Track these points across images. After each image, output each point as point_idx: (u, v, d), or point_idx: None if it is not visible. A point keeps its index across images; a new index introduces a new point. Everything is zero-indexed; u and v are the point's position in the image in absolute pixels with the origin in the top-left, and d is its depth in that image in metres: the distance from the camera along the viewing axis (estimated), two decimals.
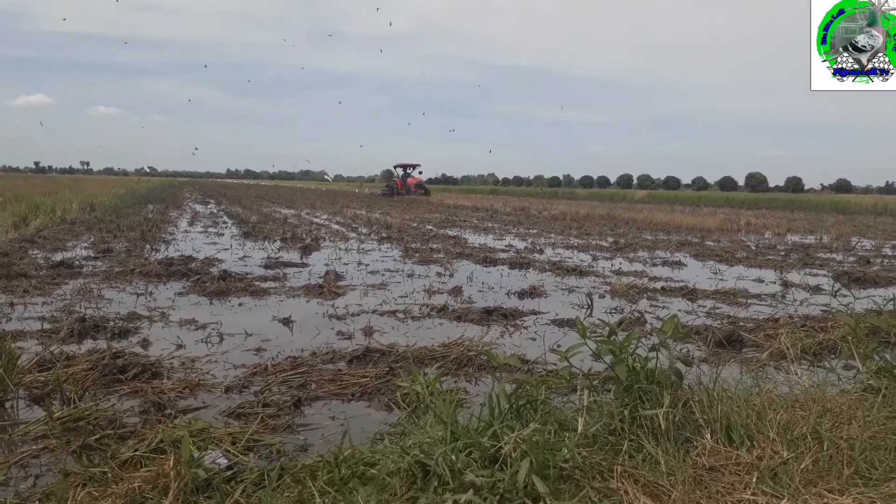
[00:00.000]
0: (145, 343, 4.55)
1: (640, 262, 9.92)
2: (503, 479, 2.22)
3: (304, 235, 12.67)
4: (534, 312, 5.89)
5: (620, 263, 9.65)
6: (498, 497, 2.18)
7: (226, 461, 2.56)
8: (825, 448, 2.58)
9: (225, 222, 16.68)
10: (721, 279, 8.28)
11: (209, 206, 25.31)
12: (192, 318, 5.33)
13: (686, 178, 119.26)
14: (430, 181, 45.63)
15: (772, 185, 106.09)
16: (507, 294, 6.86)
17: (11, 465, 2.63)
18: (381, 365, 4.04)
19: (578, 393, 3.03)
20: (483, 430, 2.48)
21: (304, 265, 8.67)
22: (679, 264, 9.74)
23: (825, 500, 2.30)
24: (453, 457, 2.28)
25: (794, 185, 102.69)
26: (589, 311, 6.05)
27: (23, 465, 2.66)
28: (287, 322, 5.30)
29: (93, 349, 4.18)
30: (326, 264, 8.70)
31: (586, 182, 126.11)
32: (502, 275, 8.32)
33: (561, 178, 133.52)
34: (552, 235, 14.54)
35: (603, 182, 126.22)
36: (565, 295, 6.92)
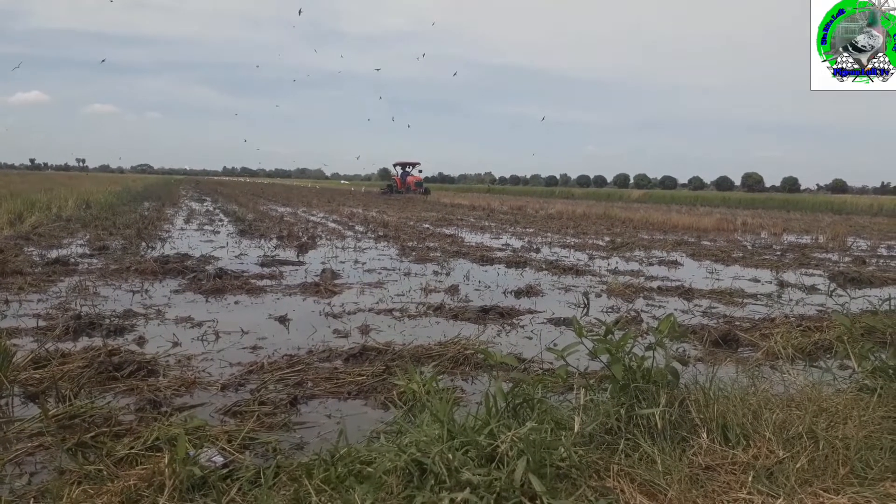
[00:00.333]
0: (141, 341, 4.54)
1: (637, 261, 9.94)
2: (500, 478, 2.22)
3: (300, 233, 12.65)
4: (530, 311, 5.90)
5: (617, 263, 9.66)
6: (494, 496, 2.18)
7: (221, 459, 2.55)
8: (821, 447, 2.58)
9: (221, 220, 16.65)
10: (717, 279, 8.29)
11: (205, 204, 25.26)
12: (188, 315, 5.32)
13: (682, 178, 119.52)
14: (427, 180, 45.29)
15: (768, 185, 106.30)
16: (504, 293, 6.86)
17: (6, 463, 2.63)
18: (377, 363, 4.03)
19: (575, 392, 3.03)
20: (480, 428, 2.48)
21: (301, 263, 8.66)
22: (675, 264, 9.76)
23: (821, 499, 2.30)
24: (450, 455, 2.28)
25: (791, 185, 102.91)
26: (585, 310, 6.05)
27: (18, 462, 2.65)
28: (283, 320, 5.29)
29: (88, 347, 4.16)
30: (323, 262, 8.69)
31: (583, 181, 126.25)
32: (499, 274, 8.32)
33: (558, 177, 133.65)
34: (549, 234, 14.55)
35: (600, 181, 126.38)
36: (562, 294, 6.92)
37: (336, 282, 7.17)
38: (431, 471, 2.25)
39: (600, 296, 6.86)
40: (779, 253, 11.63)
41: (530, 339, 4.95)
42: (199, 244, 10.78)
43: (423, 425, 2.61)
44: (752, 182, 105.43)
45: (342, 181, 69.57)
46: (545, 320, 5.57)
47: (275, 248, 10.40)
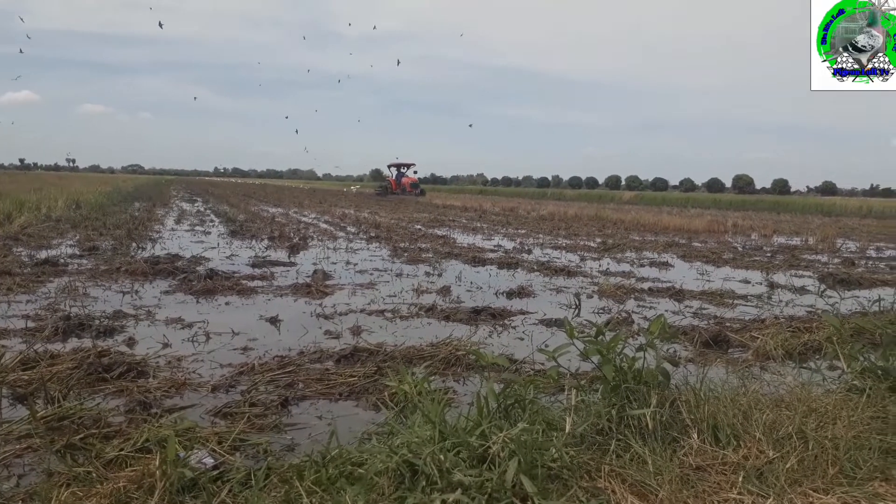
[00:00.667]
0: (131, 342, 4.52)
1: (628, 262, 9.97)
2: (491, 479, 2.22)
3: (291, 234, 12.62)
4: (522, 312, 5.90)
5: (608, 264, 9.68)
6: (486, 497, 2.18)
7: (212, 461, 2.54)
8: (810, 448, 2.60)
9: (212, 221, 16.59)
10: (708, 280, 8.32)
11: (196, 205, 25.16)
12: (179, 316, 5.30)
13: (674, 180, 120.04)
14: (419, 181, 44.84)
15: (758, 186, 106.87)
16: (496, 294, 6.86)
17: None
18: (368, 364, 4.03)
19: (566, 393, 3.03)
20: (471, 429, 2.48)
21: (292, 264, 8.64)
22: (666, 265, 9.79)
23: (810, 499, 2.32)
24: (441, 456, 2.28)
25: (781, 187, 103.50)
26: (577, 311, 6.06)
27: (6, 464, 2.63)
28: (274, 321, 5.28)
29: (78, 348, 4.14)
30: (314, 263, 8.67)
31: (575, 183, 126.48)
32: (491, 275, 8.33)
33: (550, 178, 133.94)
34: (540, 236, 14.57)
35: (591, 183, 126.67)
36: (553, 295, 6.93)
37: (327, 283, 7.16)
38: (423, 472, 2.25)
39: (591, 297, 6.87)
40: (769, 254, 11.70)
41: (522, 340, 4.95)
42: (190, 245, 10.74)
43: (414, 426, 2.60)
44: (743, 184, 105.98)
45: (351, 186, 68.93)
46: (537, 321, 5.58)
47: (266, 248, 10.36)
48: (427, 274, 8.14)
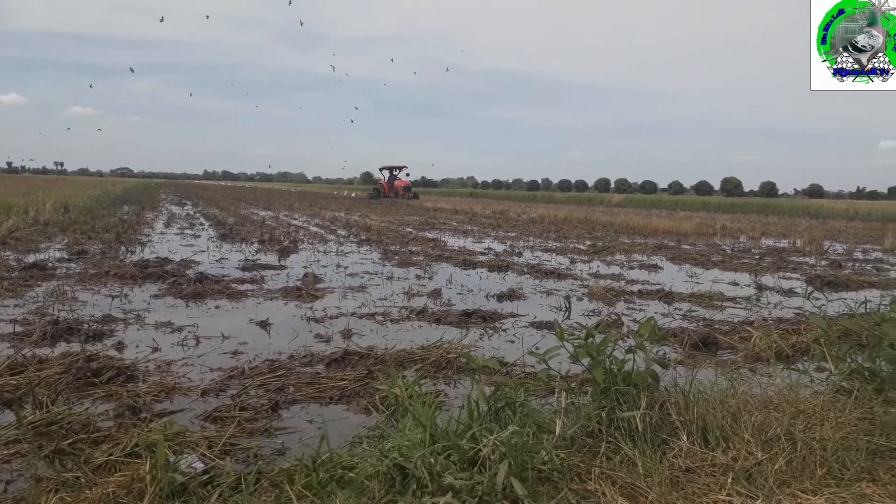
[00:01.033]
0: (120, 346, 4.49)
1: (618, 265, 10.01)
2: (482, 482, 2.22)
3: (281, 237, 12.59)
4: (512, 315, 5.91)
5: (598, 266, 9.72)
6: (477, 499, 2.18)
7: (202, 465, 2.53)
8: (798, 449, 2.62)
9: (202, 224, 16.52)
10: (697, 282, 8.37)
11: (186, 208, 25.05)
12: (168, 320, 5.27)
13: (663, 183, 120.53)
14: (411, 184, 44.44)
15: (747, 189, 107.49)
16: (486, 297, 6.87)
17: None
18: (359, 368, 4.02)
19: (556, 395, 3.04)
20: (462, 432, 2.49)
21: (282, 267, 8.62)
22: (655, 267, 9.83)
23: (798, 500, 2.33)
24: (432, 459, 2.28)
25: (769, 189, 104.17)
26: (567, 313, 6.08)
27: None
28: (264, 325, 5.26)
29: (66, 352, 4.11)
30: (305, 267, 8.66)
31: (565, 186, 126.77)
32: (481, 277, 8.34)
33: (540, 181, 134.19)
34: (531, 238, 14.60)
35: (581, 186, 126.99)
36: (543, 297, 6.95)
37: (318, 286, 7.14)
38: (413, 475, 2.25)
39: (581, 299, 6.89)
40: (757, 257, 11.77)
41: (512, 342, 4.96)
42: (180, 248, 10.69)
43: (405, 430, 2.61)
44: (731, 187, 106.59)
45: (344, 190, 68.36)
46: (527, 324, 5.59)
47: (256, 252, 10.33)
48: (418, 277, 8.14)
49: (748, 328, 5.25)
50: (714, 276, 9.12)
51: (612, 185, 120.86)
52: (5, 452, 2.73)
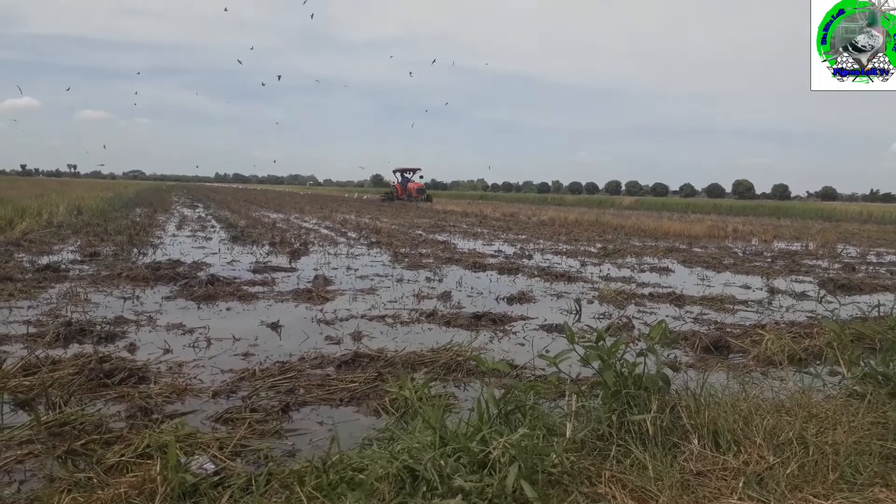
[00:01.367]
0: (132, 347, 4.52)
1: (628, 268, 9.97)
2: (492, 485, 2.22)
3: (292, 240, 12.63)
4: (522, 318, 5.90)
5: (608, 269, 9.69)
6: (486, 502, 2.18)
7: (213, 466, 2.55)
8: (811, 453, 2.60)
9: (213, 226, 16.61)
10: (708, 285, 8.33)
11: (197, 210, 25.19)
12: (180, 322, 5.30)
13: (674, 185, 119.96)
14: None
15: (758, 192, 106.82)
16: (496, 299, 6.87)
17: None
18: (369, 370, 4.03)
19: (567, 398, 3.04)
20: (472, 435, 2.49)
21: (293, 270, 8.65)
22: (667, 270, 9.79)
23: None
24: (442, 462, 2.28)
25: (781, 192, 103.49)
26: (577, 316, 6.06)
27: (7, 470, 2.63)
28: (275, 327, 5.28)
29: (79, 353, 4.14)
30: (315, 269, 8.68)
31: (575, 188, 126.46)
32: (491, 280, 8.33)
33: (550, 183, 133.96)
34: (541, 241, 14.57)
35: (591, 188, 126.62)
36: (554, 300, 6.94)
37: (328, 288, 7.16)
38: (423, 477, 2.25)
39: (592, 302, 6.87)
40: (769, 260, 11.70)
41: (522, 345, 4.96)
42: (191, 250, 10.75)
43: (415, 432, 2.61)
44: (743, 189, 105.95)
45: (356, 192, 67.90)
46: (537, 326, 5.58)
47: (267, 254, 10.38)
48: (428, 279, 8.14)
49: (760, 331, 5.22)
50: (725, 279, 9.07)
51: (623, 188, 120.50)
52: (19, 452, 2.75)
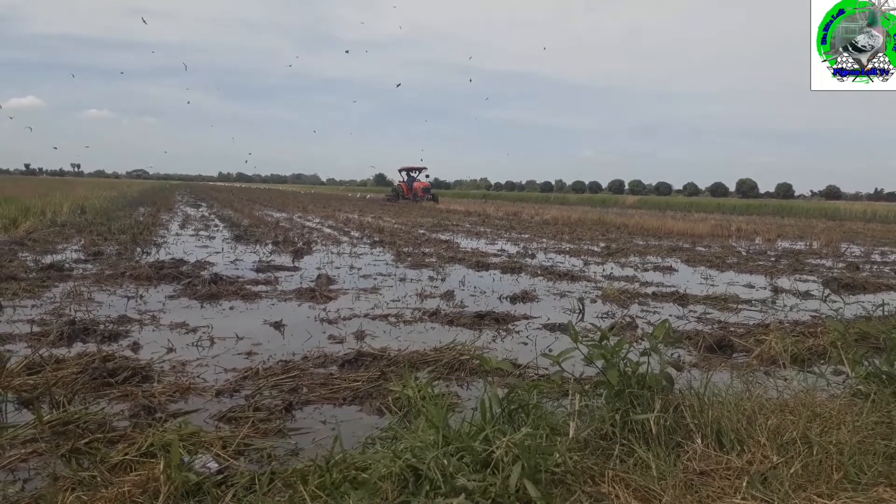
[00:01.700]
0: (135, 346, 4.53)
1: (632, 267, 9.96)
2: (495, 484, 2.22)
3: (295, 239, 12.64)
4: (525, 317, 5.90)
5: (612, 268, 9.68)
6: (490, 501, 2.18)
7: (216, 465, 2.55)
8: (814, 453, 2.59)
9: (216, 225, 16.63)
10: (712, 284, 8.31)
11: (200, 210, 25.23)
12: (183, 321, 5.31)
13: (677, 184, 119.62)
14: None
15: (762, 191, 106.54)
16: (499, 298, 6.86)
17: (0, 469, 2.62)
18: (372, 369, 4.03)
19: (570, 397, 3.03)
20: (475, 434, 2.49)
21: (296, 269, 8.66)
22: (670, 269, 9.78)
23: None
24: (445, 461, 2.28)
25: (785, 191, 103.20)
26: (580, 315, 6.06)
27: (11, 469, 2.64)
28: (278, 326, 5.29)
29: (82, 352, 4.15)
30: (318, 268, 8.69)
31: (578, 187, 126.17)
32: (494, 279, 8.33)
33: (553, 182, 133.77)
34: (544, 240, 14.57)
35: (595, 187, 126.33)
36: (557, 299, 6.93)
37: (331, 287, 7.17)
38: (426, 476, 2.25)
39: (595, 301, 6.87)
40: (773, 259, 11.67)
41: (525, 344, 4.95)
42: (195, 250, 10.76)
43: (418, 431, 2.61)
44: (747, 188, 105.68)
45: (363, 192, 67.30)
46: (540, 326, 5.58)
47: (270, 253, 10.38)
48: (431, 278, 8.14)
49: (764, 331, 5.21)
50: (729, 278, 9.06)
51: (627, 187, 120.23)
52: (23, 451, 2.76)
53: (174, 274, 7.55)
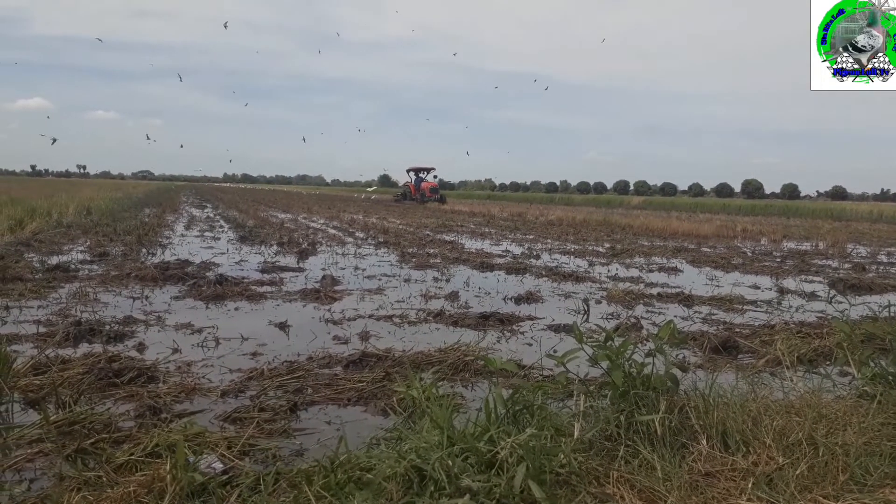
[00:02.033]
0: (141, 347, 4.54)
1: (637, 268, 9.94)
2: (499, 485, 2.22)
3: (300, 240, 12.66)
4: (530, 318, 5.90)
5: (617, 269, 9.66)
6: (494, 502, 2.18)
7: (221, 466, 2.56)
8: (820, 454, 2.58)
9: (221, 226, 16.67)
10: (717, 285, 8.29)
11: (206, 210, 25.29)
12: (189, 322, 5.33)
13: (682, 185, 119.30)
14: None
15: (768, 191, 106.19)
16: (504, 299, 6.86)
17: (6, 469, 2.63)
18: (377, 370, 4.04)
19: (575, 398, 3.03)
20: (479, 435, 2.49)
21: (301, 270, 8.67)
22: (675, 270, 9.76)
23: None
24: (449, 462, 2.28)
25: (791, 191, 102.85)
26: (585, 316, 6.05)
27: (17, 469, 2.65)
28: (283, 326, 5.29)
29: (88, 353, 4.17)
30: (323, 269, 8.70)
31: (583, 188, 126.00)
32: (499, 280, 8.32)
33: (558, 183, 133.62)
34: (549, 241, 14.55)
35: (600, 188, 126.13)
36: (562, 300, 6.93)
37: (336, 288, 7.18)
38: (431, 477, 2.25)
39: (600, 302, 6.86)
40: (779, 259, 11.64)
41: (530, 345, 4.95)
42: (200, 250, 10.79)
43: (422, 432, 2.61)
44: (752, 189, 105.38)
45: (368, 190, 66.55)
46: (545, 327, 5.57)
47: (275, 254, 10.40)
48: (435, 279, 8.15)
49: (769, 332, 5.20)
50: (734, 279, 9.03)
51: (632, 187, 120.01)
52: (29, 451, 2.77)
53: (179, 275, 7.57)
